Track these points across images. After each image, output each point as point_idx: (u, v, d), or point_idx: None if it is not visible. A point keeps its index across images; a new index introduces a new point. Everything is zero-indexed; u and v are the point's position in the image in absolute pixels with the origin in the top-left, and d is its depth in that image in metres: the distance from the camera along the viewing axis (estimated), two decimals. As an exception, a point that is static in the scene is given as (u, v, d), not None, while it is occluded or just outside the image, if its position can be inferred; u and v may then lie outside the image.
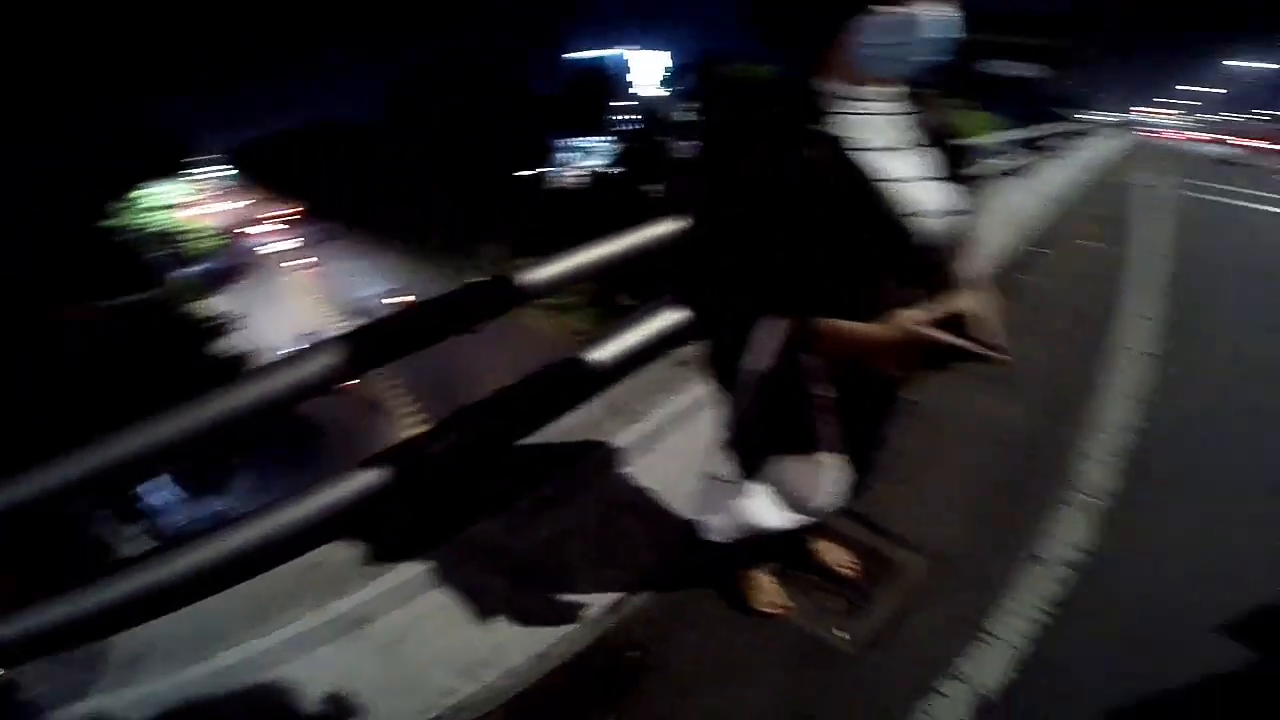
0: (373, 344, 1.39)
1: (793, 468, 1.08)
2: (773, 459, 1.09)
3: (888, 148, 0.93)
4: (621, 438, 1.78)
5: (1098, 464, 2.37)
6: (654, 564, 1.66)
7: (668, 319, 2.01)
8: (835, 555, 1.76)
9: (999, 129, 7.75)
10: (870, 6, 0.84)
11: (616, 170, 30.67)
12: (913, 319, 0.85)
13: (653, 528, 1.72)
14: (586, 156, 36.86)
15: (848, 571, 1.74)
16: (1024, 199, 6.15)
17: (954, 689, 1.49)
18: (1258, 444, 2.64)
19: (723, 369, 1.09)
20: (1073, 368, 3.18)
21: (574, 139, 36.49)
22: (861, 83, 0.91)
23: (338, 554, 1.40)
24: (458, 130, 32.21)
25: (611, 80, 36.50)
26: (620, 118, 35.43)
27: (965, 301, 0.90)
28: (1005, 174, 6.29)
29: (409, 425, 19.54)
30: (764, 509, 1.10)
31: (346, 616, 1.30)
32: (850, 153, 0.89)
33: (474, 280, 1.60)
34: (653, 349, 2.00)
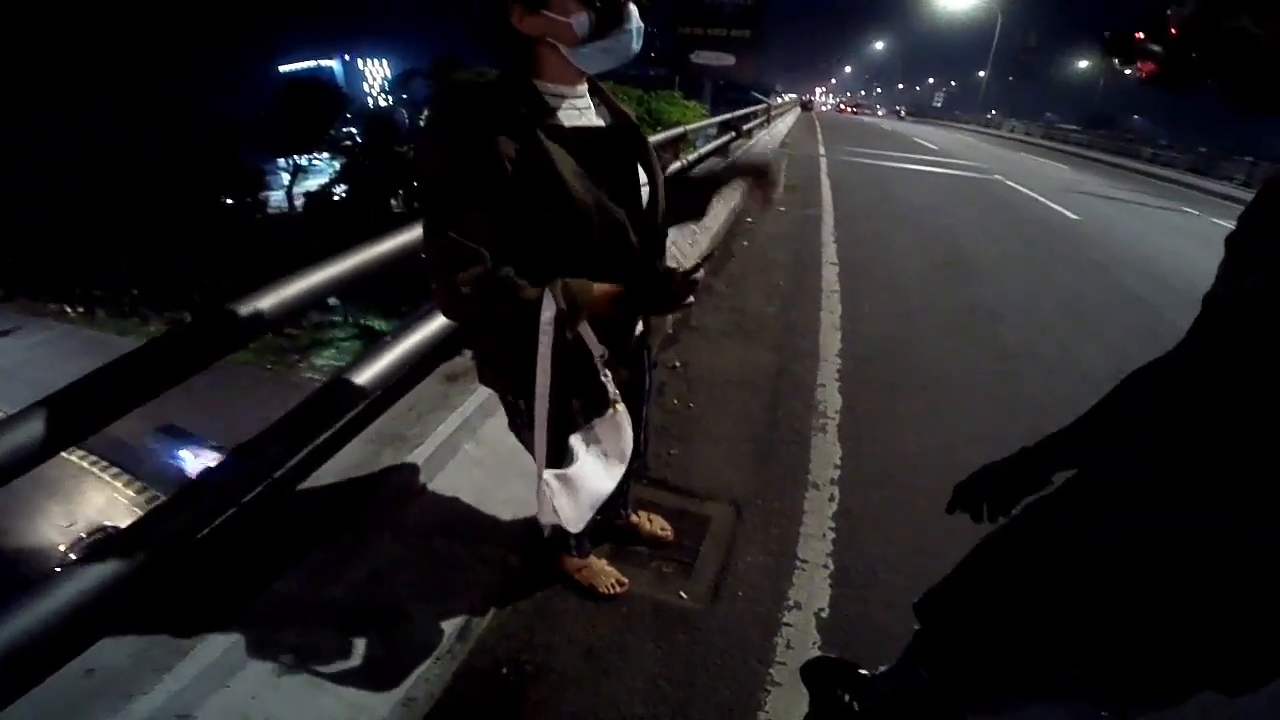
0: (64, 417, 1.04)
1: (600, 428, 1.15)
2: (580, 427, 1.15)
3: (600, 133, 1.09)
4: (404, 467, 1.68)
5: (828, 389, 2.89)
6: (487, 580, 1.61)
7: (426, 333, 1.91)
8: (654, 523, 1.87)
9: (706, 115, 8.95)
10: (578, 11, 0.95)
11: (342, 187, 28.01)
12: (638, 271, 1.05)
13: (472, 545, 1.66)
14: (307, 176, 33.12)
15: (669, 535, 1.87)
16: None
17: (795, 617, 1.68)
18: (923, 348, 3.48)
19: (506, 359, 1.15)
20: (794, 313, 3.79)
21: (292, 158, 32.51)
22: (570, 82, 1.05)
23: (111, 655, 1.13)
24: (126, 166, 26.46)
25: (328, 91, 32.98)
26: (344, 130, 32.33)
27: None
28: (713, 154, 7.16)
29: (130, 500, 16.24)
30: (596, 476, 1.13)
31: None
32: (562, 140, 0.99)
33: (184, 323, 1.33)
34: (416, 368, 1.90)
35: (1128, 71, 0.80)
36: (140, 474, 17.67)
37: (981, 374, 3.21)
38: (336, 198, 27.76)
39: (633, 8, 0.99)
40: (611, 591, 1.66)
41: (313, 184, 30.69)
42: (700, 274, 1.06)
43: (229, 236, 25.56)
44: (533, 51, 1.00)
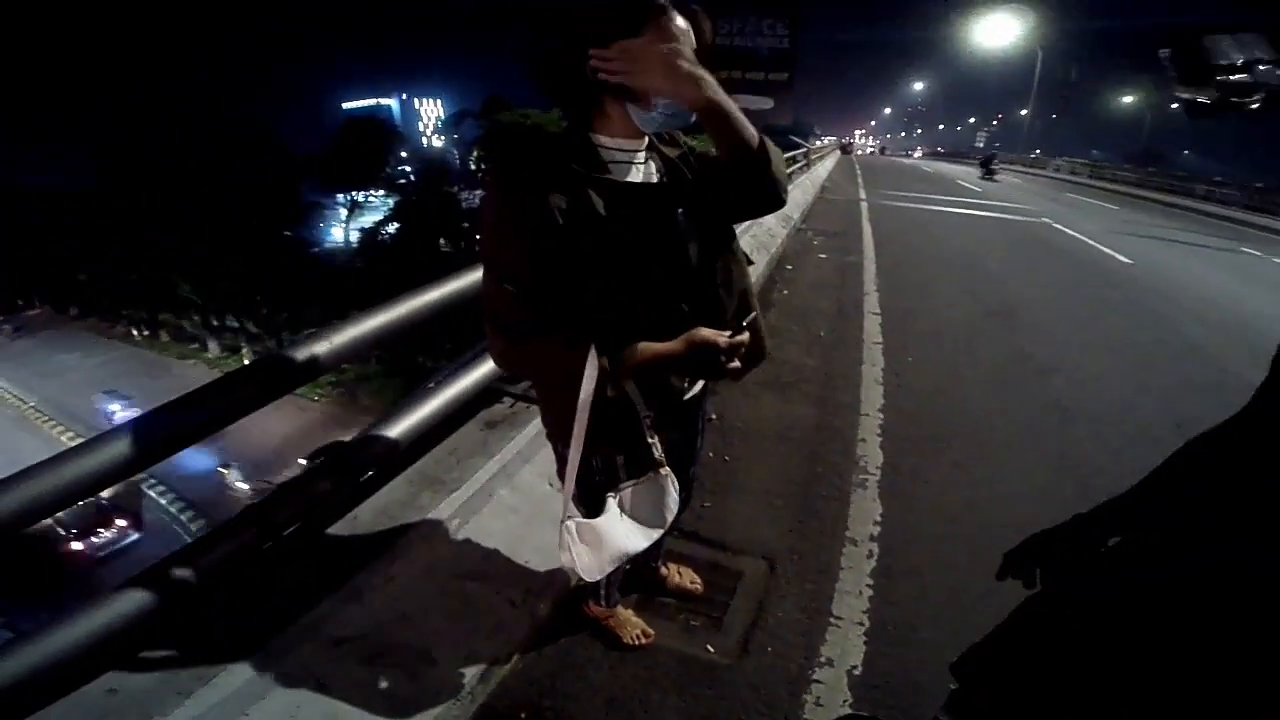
0: (142, 442, 1.17)
1: (639, 489, 1.16)
2: (620, 485, 1.15)
3: (653, 189, 1.09)
4: (441, 509, 1.73)
5: (869, 443, 2.85)
6: (514, 624, 1.63)
7: (470, 379, 1.98)
8: (683, 576, 1.87)
9: None
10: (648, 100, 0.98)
11: (397, 225, 29.16)
12: (694, 330, 1.05)
13: (501, 589, 1.68)
14: (363, 213, 34.65)
15: (698, 589, 1.86)
16: (769, 221, 7.14)
17: (827, 674, 1.65)
18: (969, 401, 3.41)
19: (553, 408, 1.19)
20: (834, 364, 3.76)
21: (349, 193, 34.13)
22: (630, 137, 1.06)
23: (136, 676, 1.20)
24: (193, 196, 28.17)
25: (386, 130, 34.60)
26: (399, 169, 33.78)
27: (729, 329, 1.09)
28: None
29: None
30: (626, 535, 1.14)
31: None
32: (622, 195, 1.02)
33: (244, 366, 1.43)
34: (458, 413, 1.96)
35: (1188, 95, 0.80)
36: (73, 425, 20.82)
37: (1030, 429, 3.12)
38: (387, 235, 28.89)
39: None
40: (637, 642, 1.66)
41: (368, 220, 32.04)
42: (745, 338, 1.08)
43: (287, 269, 26.82)
44: (595, 105, 1.02)
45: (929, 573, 2.04)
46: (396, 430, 1.72)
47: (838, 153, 27.49)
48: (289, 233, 29.76)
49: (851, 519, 2.29)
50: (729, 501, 2.32)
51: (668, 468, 1.16)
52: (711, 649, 1.69)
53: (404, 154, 34.60)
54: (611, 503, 1.14)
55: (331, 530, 1.59)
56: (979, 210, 12.40)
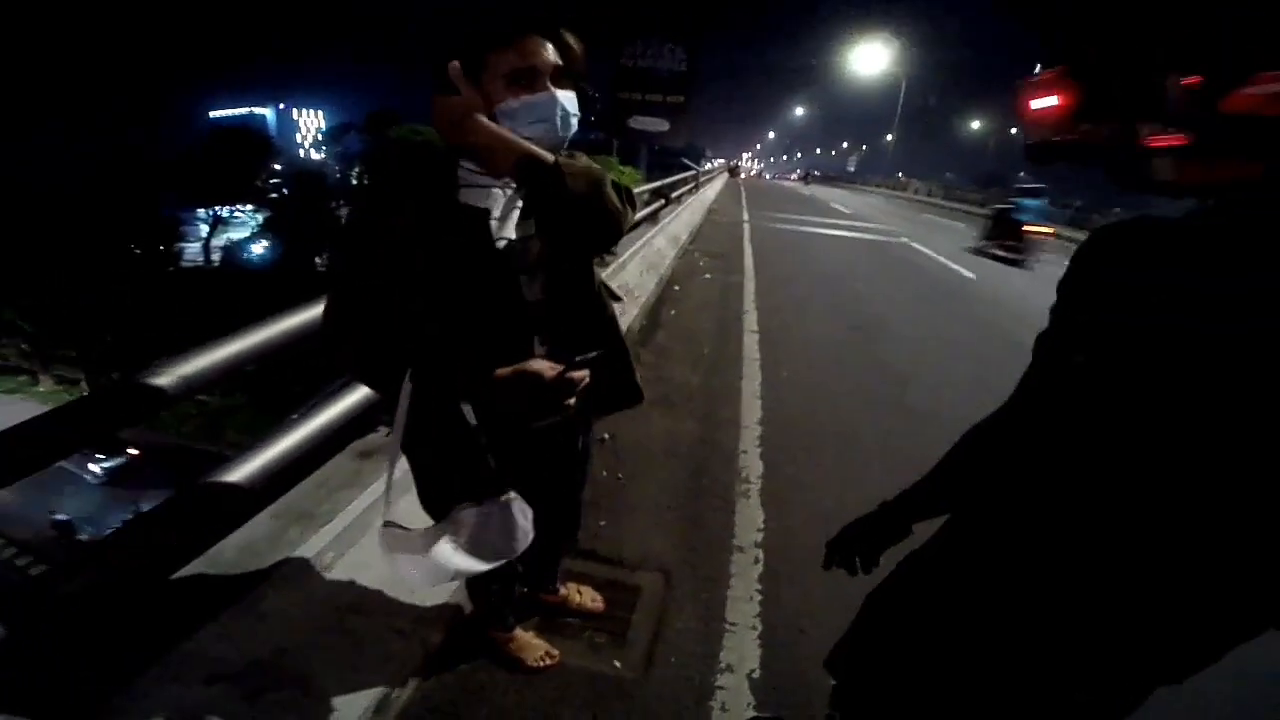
0: None
1: (482, 512, 1.12)
2: (460, 506, 1.12)
3: (505, 217, 1.08)
4: (312, 543, 1.66)
5: (750, 454, 3.07)
6: (405, 653, 1.58)
7: (339, 408, 1.87)
8: (584, 595, 1.90)
9: (641, 181, 9.41)
10: (519, 92, 0.99)
11: (266, 243, 27.06)
12: (540, 363, 1.05)
13: (387, 619, 1.63)
14: (228, 228, 31.87)
15: (600, 606, 1.89)
16: (659, 243, 7.42)
17: (728, 680, 1.73)
18: (837, 411, 3.77)
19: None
20: (717, 381, 3.96)
21: (211, 208, 31.22)
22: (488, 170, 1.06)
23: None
24: (23, 208, 24.56)
25: (257, 140, 31.96)
26: (272, 182, 31.37)
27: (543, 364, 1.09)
28: (642, 222, 7.52)
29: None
30: (452, 555, 1.10)
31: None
32: (460, 218, 1.04)
33: (85, 395, 1.28)
34: (328, 443, 1.84)
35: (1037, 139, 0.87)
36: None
37: (891, 434, 3.44)
38: (253, 255, 26.70)
39: (556, 95, 1.01)
40: (541, 664, 1.66)
41: (234, 236, 29.46)
42: (581, 375, 1.07)
43: (136, 289, 23.97)
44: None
45: (810, 574, 2.19)
46: (258, 463, 1.59)
47: (726, 175, 28.86)
48: (138, 250, 26.65)
49: (737, 527, 2.43)
50: (623, 519, 2.40)
51: (512, 494, 1.13)
52: (618, 664, 1.74)
53: (277, 166, 32.28)
54: (444, 523, 1.13)
55: (190, 570, 1.47)
56: (848, 231, 13.53)
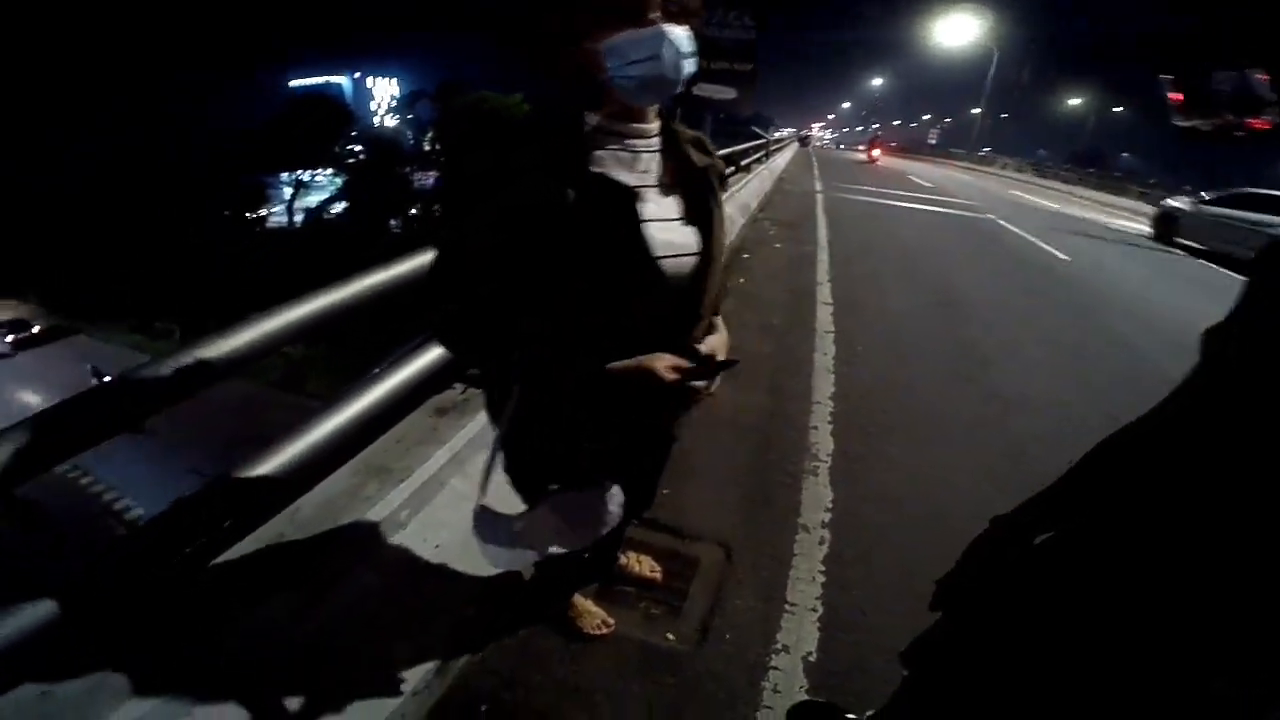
0: (55, 433, 1.07)
1: (575, 496, 1.09)
2: (549, 491, 1.09)
3: (642, 185, 0.94)
4: (390, 499, 1.67)
5: (820, 430, 2.91)
6: (472, 617, 1.60)
7: (418, 364, 1.91)
8: (643, 564, 1.87)
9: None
10: (613, 27, 0.85)
11: (345, 205, 28.17)
12: (647, 357, 0.94)
13: (454, 581, 1.65)
14: (309, 192, 33.35)
15: (658, 577, 1.86)
16: (728, 209, 7.19)
17: (783, 660, 1.68)
18: (915, 389, 3.53)
19: (494, 404, 1.12)
20: (787, 353, 3.82)
21: (294, 173, 32.77)
22: (617, 117, 0.93)
23: (70, 680, 1.10)
24: (127, 182, 26.49)
25: (335, 108, 33.22)
26: (349, 148, 32.54)
27: (711, 341, 1.04)
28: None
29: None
30: (544, 537, 1.09)
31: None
32: (607, 191, 0.90)
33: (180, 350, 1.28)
34: (407, 400, 1.89)
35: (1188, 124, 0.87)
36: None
37: (970, 417, 3.24)
38: (332, 215, 27.91)
39: (664, 28, 0.85)
40: (597, 631, 1.65)
41: (315, 200, 30.85)
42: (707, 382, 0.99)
43: (227, 250, 25.57)
44: (577, 82, 0.90)
45: (877, 558, 2.10)
46: (340, 419, 1.64)
47: (796, 145, 27.83)
48: (227, 213, 28.33)
49: (804, 505, 2.33)
50: (686, 488, 2.33)
51: (610, 483, 1.10)
52: (672, 637, 1.71)
53: (354, 133, 33.39)
54: (538, 509, 1.10)
55: (271, 524, 1.52)
56: (929, 206, 12.77)
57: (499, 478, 1.16)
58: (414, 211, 27.01)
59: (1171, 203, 11.90)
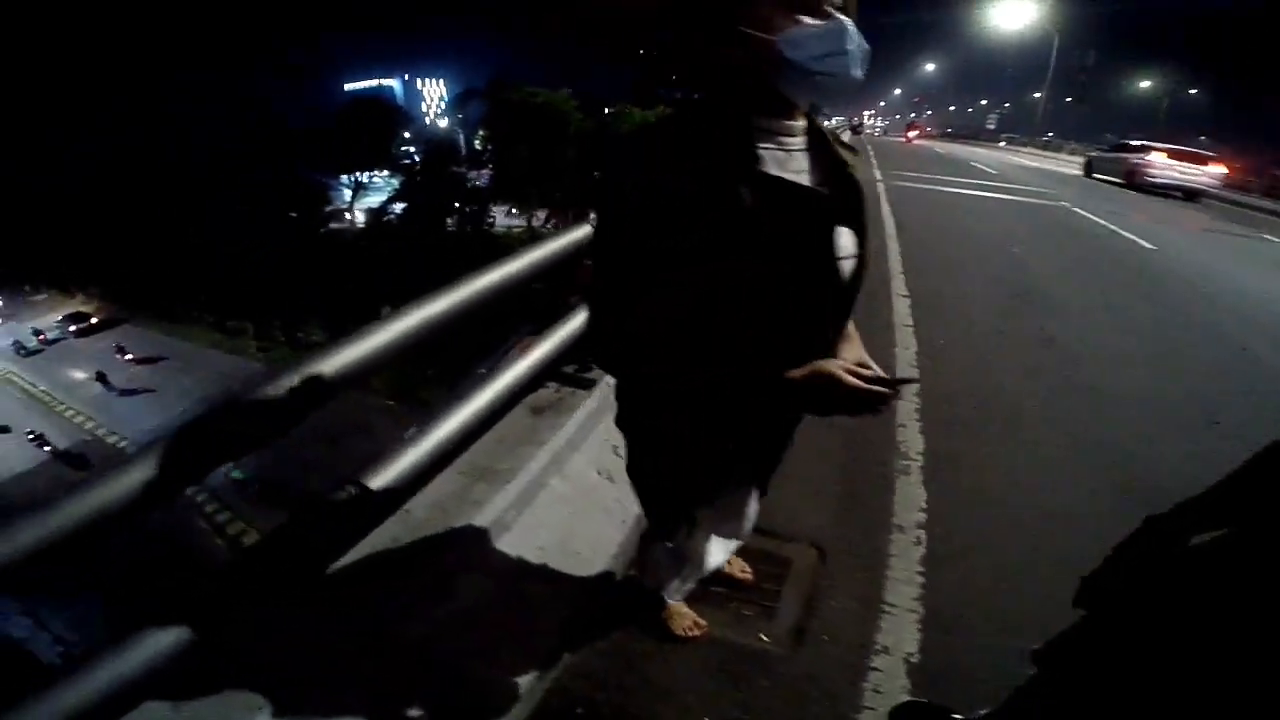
0: (190, 452, 1.08)
1: (722, 505, 1.11)
2: (704, 505, 1.10)
3: (800, 191, 0.89)
4: (496, 502, 1.69)
5: (909, 428, 2.82)
6: (570, 620, 1.62)
7: (523, 365, 1.94)
8: (734, 565, 1.83)
9: None
10: (797, 16, 0.79)
11: (400, 205, 29.01)
12: (825, 363, 0.89)
13: (558, 585, 1.67)
14: (367, 193, 34.48)
15: (749, 577, 1.83)
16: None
17: (883, 662, 1.64)
18: (1002, 384, 3.38)
19: (640, 423, 1.08)
20: (869, 347, 3.71)
21: (353, 175, 33.95)
22: (771, 114, 0.87)
23: (195, 693, 1.11)
24: (194, 182, 27.97)
25: (390, 110, 34.25)
26: (404, 149, 33.50)
27: (856, 348, 1.01)
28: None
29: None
30: (711, 551, 1.11)
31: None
32: (790, 194, 0.85)
33: (299, 359, 1.28)
34: (508, 399, 1.91)
35: None
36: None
37: (1061, 412, 3.09)
38: (393, 215, 28.77)
39: (847, 22, 0.80)
40: (689, 634, 1.63)
41: (373, 201, 31.86)
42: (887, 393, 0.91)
43: (294, 249, 26.69)
44: (738, 77, 0.85)
45: (974, 559, 2.03)
46: (449, 421, 1.69)
47: (849, 133, 27.08)
48: (294, 215, 29.56)
49: (897, 505, 2.27)
50: (776, 487, 2.27)
51: (751, 486, 1.10)
52: (765, 638, 1.68)
53: (407, 134, 34.32)
54: (699, 528, 1.11)
55: (385, 526, 1.56)
56: (996, 193, 12.22)
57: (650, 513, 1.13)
58: (466, 210, 27.59)
59: (1091, 153, 18.99)
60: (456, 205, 28.02)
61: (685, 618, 1.65)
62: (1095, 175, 16.98)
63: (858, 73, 0.81)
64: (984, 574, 1.96)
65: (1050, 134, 37.41)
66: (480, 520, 1.64)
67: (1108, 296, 5.33)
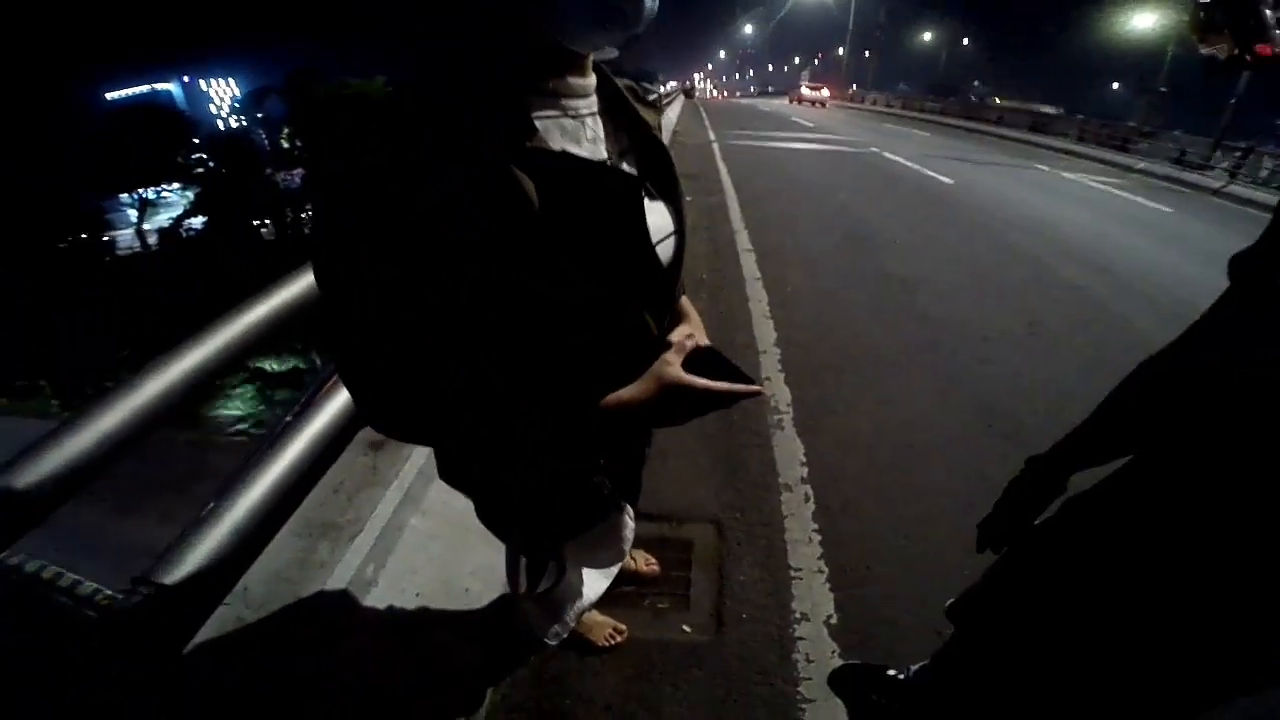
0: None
1: (591, 534, 0.96)
2: (572, 542, 0.96)
3: (593, 168, 0.69)
4: (349, 558, 1.42)
5: (774, 381, 2.84)
6: (478, 657, 1.45)
7: (340, 399, 1.63)
8: (638, 560, 1.74)
9: None
10: None
11: (200, 219, 25.54)
12: (669, 374, 0.70)
13: (450, 626, 1.48)
14: (158, 210, 29.94)
15: (655, 569, 1.75)
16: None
17: (807, 629, 1.62)
18: (852, 324, 3.55)
19: (471, 475, 0.87)
20: (724, 305, 3.73)
21: (136, 191, 29.21)
22: (548, 71, 0.66)
23: None
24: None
25: (168, 116, 29.81)
26: (194, 157, 29.30)
27: (693, 328, 0.83)
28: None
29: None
30: (590, 586, 0.99)
31: None
32: (545, 174, 0.62)
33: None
34: (334, 440, 1.60)
35: (1208, 51, 0.79)
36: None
37: (910, 344, 3.30)
38: (192, 232, 25.30)
39: None
40: (611, 642, 1.54)
41: (166, 218, 27.72)
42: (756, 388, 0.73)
43: (73, 283, 22.52)
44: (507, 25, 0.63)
45: (864, 506, 2.08)
46: (264, 476, 1.36)
47: (682, 97, 27.72)
48: (65, 244, 24.86)
49: (779, 463, 2.27)
50: (658, 467, 2.19)
51: (623, 503, 0.97)
52: (688, 629, 1.62)
53: (196, 140, 30.14)
54: (568, 565, 0.98)
55: (222, 610, 1.24)
56: (815, 144, 13.07)
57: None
58: (288, 216, 24.91)
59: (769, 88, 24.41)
60: (273, 210, 25.12)
61: (604, 626, 1.55)
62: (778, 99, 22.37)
63: (651, 4, 0.62)
64: (876, 521, 2.01)
65: (854, 86, 40.98)
66: (336, 583, 1.37)
67: (925, 231, 5.84)
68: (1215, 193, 10.97)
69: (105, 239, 27.39)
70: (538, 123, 0.64)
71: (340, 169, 0.58)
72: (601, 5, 0.59)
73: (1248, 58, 0.87)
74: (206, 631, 1.19)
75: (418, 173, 0.56)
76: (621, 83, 0.77)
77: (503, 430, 0.64)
